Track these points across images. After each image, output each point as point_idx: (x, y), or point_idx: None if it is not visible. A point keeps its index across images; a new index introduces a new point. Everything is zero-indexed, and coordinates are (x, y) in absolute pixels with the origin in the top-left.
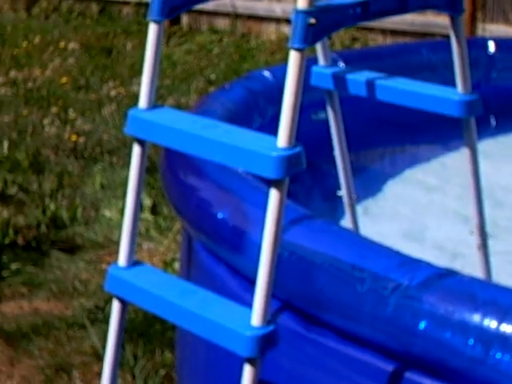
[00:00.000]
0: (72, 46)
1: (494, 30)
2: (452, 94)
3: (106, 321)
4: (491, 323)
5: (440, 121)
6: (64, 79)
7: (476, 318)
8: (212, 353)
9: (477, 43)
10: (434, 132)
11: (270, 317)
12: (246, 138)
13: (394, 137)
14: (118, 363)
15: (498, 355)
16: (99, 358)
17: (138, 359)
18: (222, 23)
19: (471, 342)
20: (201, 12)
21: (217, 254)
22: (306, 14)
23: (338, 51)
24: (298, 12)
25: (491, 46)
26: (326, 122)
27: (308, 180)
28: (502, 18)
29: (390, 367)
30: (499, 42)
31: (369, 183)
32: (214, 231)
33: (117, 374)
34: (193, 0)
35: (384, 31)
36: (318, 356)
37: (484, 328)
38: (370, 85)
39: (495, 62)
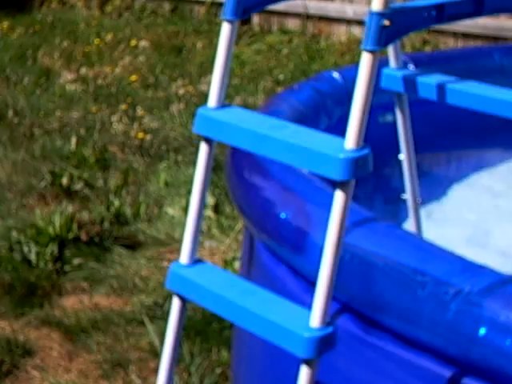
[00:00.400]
0: (143, 44)
1: None
2: None
3: (165, 318)
4: None
5: (508, 125)
6: (133, 77)
7: None
8: (268, 353)
9: None
10: (502, 136)
11: (329, 319)
12: (313, 138)
13: (460, 141)
14: (175, 360)
15: None
16: (156, 354)
17: (195, 357)
18: (292, 24)
19: None
20: (272, 12)
21: (278, 254)
22: (381, 15)
23: (409, 53)
24: (372, 13)
25: None
26: (393, 124)
27: (372, 182)
28: None
29: (447, 373)
30: None
31: (433, 187)
32: (277, 231)
33: (173, 370)
34: (266, 0)
35: (455, 34)
36: (376, 360)
37: None
38: (441, 88)
39: None
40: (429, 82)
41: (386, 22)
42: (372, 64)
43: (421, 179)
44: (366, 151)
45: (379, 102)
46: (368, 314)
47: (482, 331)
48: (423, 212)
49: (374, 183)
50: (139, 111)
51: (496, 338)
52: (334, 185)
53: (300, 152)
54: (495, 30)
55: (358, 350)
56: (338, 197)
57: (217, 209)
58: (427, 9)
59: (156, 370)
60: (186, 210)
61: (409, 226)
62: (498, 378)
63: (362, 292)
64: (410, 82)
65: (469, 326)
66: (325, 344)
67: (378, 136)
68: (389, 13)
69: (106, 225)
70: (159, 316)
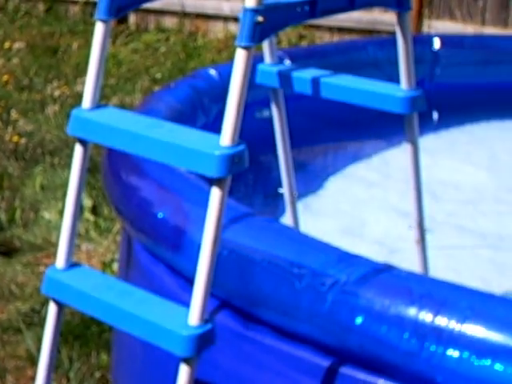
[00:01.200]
0: (17, 45)
1: (439, 27)
2: (396, 91)
3: (42, 324)
4: (426, 316)
5: (382, 117)
6: (7, 79)
7: (412, 311)
8: (148, 354)
9: (422, 40)
10: (377, 128)
11: (207, 316)
12: (189, 136)
13: (336, 133)
14: (53, 366)
15: (433, 348)
16: (34, 362)
17: (74, 362)
18: (169, 22)
19: (406, 335)
20: (148, 11)
21: (156, 253)
22: (254, 11)
23: (285, 49)
24: (246, 10)
25: (436, 43)
26: (271, 119)
27: (251, 177)
28: (448, 14)
29: (326, 363)
30: (444, 39)
31: (311, 180)
32: (154, 231)
33: (51, 377)
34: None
35: (331, 29)
36: (255, 354)
37: (419, 321)
38: (315, 82)
39: (440, 59)
40: (303, 77)
41: (260, 19)
42: (246, 60)
43: (298, 173)
44: (241, 147)
45: (256, 98)
46: (247, 309)
47: (359, 320)
48: (301, 205)
49: (253, 178)
50: (13, 114)
51: (372, 326)
52: (211, 182)
53: (176, 150)
54: (369, 24)
55: (238, 345)
56: (215, 194)
57: (95, 211)
58: (300, 4)
59: (34, 378)
60: (62, 213)
61: (286, 219)
62: (375, 365)
63: (241, 287)
64: (284, 77)
65: (345, 315)
66: (204, 341)
67: (255, 131)
68: (262, 9)
69: None
70: (36, 323)
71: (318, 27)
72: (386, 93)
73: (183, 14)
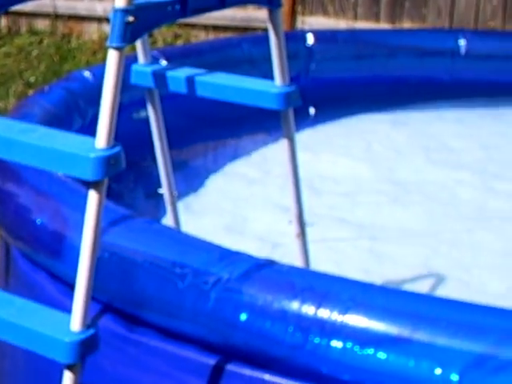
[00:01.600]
0: None
1: (313, 23)
2: (270, 87)
3: None
4: (309, 309)
5: (261, 113)
6: None
7: (294, 305)
8: (31, 363)
9: (296, 36)
10: (255, 124)
11: (89, 321)
12: (64, 140)
13: (215, 131)
14: None
15: (317, 340)
16: None
17: None
18: (42, 24)
19: (290, 329)
20: (20, 13)
21: (36, 260)
22: (124, 12)
23: (160, 48)
24: (116, 10)
25: (310, 39)
26: (148, 120)
27: (132, 179)
28: (321, 10)
29: (212, 361)
30: (317, 34)
31: (191, 179)
32: (33, 237)
33: None
34: (9, 1)
35: (206, 27)
36: (141, 356)
37: (302, 315)
38: (190, 81)
39: (314, 54)
40: (178, 76)
41: (131, 19)
42: (118, 61)
43: (179, 172)
44: (117, 149)
45: (133, 99)
46: (130, 312)
47: (243, 316)
48: (182, 205)
49: (134, 179)
50: None
51: (256, 322)
52: (88, 185)
53: (51, 155)
54: (244, 21)
55: (122, 348)
56: (92, 197)
57: None
58: (171, 3)
59: None
60: None
61: (167, 220)
62: (261, 361)
63: (123, 290)
64: (159, 77)
65: (229, 312)
66: (87, 347)
67: (134, 132)
68: (133, 9)
69: None
70: None
71: (193, 26)
72: (261, 89)
73: (55, 16)
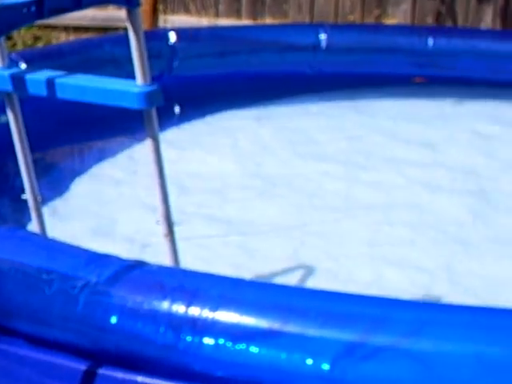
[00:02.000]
0: None
1: (175, 21)
2: (131, 87)
3: None
4: (180, 308)
5: (125, 114)
6: None
7: (165, 305)
8: None
9: (158, 34)
10: (120, 126)
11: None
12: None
13: (80, 134)
14: None
15: (189, 338)
16: None
17: None
18: None
19: (162, 329)
20: None
21: None
22: None
23: (20, 51)
24: None
25: (172, 37)
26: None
27: None
28: (182, 8)
29: (84, 367)
30: (179, 32)
31: (56, 183)
32: None
33: None
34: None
35: (67, 28)
36: (9, 366)
37: (173, 314)
38: (50, 84)
39: (177, 52)
40: (37, 79)
41: None
42: None
43: (44, 177)
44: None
45: None
46: None
47: (113, 319)
48: (48, 209)
49: None
50: None
51: (127, 324)
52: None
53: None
54: (104, 21)
55: None
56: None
57: None
58: (26, 5)
59: None
60: None
61: (33, 226)
62: (134, 363)
63: None
64: (18, 81)
65: (99, 316)
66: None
67: None
68: None
69: None
70: None
71: (54, 27)
72: (122, 89)
73: None
